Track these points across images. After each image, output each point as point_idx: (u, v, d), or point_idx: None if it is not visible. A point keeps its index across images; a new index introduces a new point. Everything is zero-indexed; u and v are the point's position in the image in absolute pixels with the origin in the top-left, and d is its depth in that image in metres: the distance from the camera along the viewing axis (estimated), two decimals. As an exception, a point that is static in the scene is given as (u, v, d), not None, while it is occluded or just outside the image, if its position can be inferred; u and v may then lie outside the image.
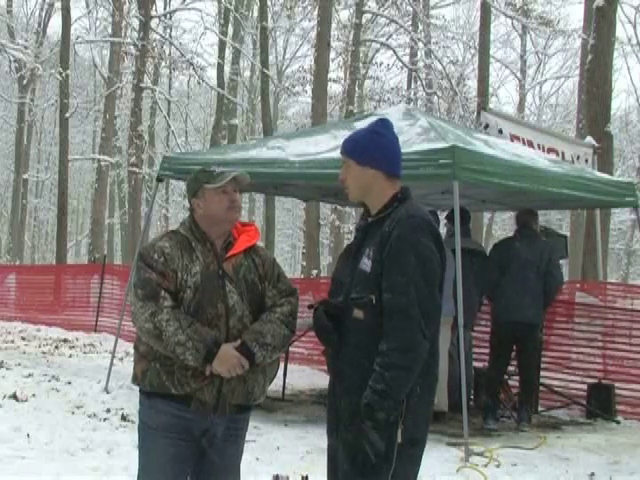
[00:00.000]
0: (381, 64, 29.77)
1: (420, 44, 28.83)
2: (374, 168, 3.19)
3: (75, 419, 7.29)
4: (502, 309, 7.95)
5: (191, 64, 28.29)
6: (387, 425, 3.00)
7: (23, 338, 13.92)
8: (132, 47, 26.41)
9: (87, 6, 34.74)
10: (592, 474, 6.20)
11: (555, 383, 9.14)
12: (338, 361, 3.20)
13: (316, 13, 23.11)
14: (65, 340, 13.81)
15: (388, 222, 3.12)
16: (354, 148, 3.24)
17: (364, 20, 27.44)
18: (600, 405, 8.64)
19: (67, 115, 23.09)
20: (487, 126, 10.15)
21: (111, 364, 9.03)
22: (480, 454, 6.54)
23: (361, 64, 27.90)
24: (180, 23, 45.70)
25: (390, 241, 3.06)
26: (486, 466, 6.26)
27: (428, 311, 3.03)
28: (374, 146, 3.21)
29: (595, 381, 8.96)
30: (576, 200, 8.86)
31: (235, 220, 3.48)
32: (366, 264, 3.13)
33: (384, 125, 3.30)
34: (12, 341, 13.41)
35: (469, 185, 7.31)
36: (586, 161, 11.10)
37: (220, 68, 29.54)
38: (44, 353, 12.10)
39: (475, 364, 8.69)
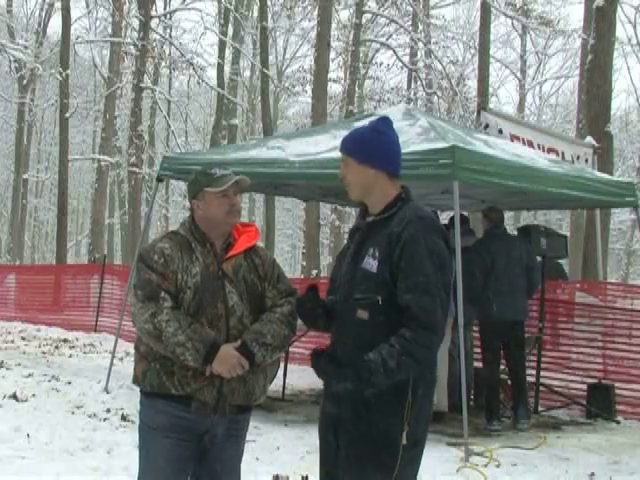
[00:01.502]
0: (381, 64, 29.81)
1: (420, 44, 28.83)
2: (375, 167, 3.16)
3: (75, 419, 7.29)
4: (491, 310, 7.93)
5: (191, 64, 28.29)
6: (391, 427, 3.01)
7: (23, 338, 13.92)
8: (132, 47, 26.41)
9: (87, 6, 34.76)
10: (592, 474, 6.20)
11: (555, 383, 9.14)
12: (338, 361, 3.18)
13: (316, 13, 23.11)
14: (65, 340, 13.81)
15: (396, 222, 3.08)
16: (355, 147, 3.20)
17: (364, 20, 27.44)
18: (600, 405, 8.64)
19: (67, 115, 23.08)
20: (487, 126, 10.15)
21: (111, 364, 9.04)
22: (480, 454, 6.54)
23: (361, 64, 27.91)
24: (180, 23, 45.75)
25: (402, 242, 3.03)
26: (486, 466, 6.26)
27: (446, 311, 3.06)
28: (375, 145, 3.18)
29: (595, 381, 8.96)
30: (576, 200, 8.86)
31: (234, 223, 3.47)
32: (371, 264, 3.09)
33: (385, 124, 3.27)
34: (12, 341, 13.41)
35: (469, 185, 7.31)
36: (586, 161, 11.11)
37: (220, 68, 29.53)
38: (44, 353, 12.10)
39: (475, 364, 8.69)
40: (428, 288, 2.98)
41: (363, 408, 3.05)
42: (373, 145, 3.18)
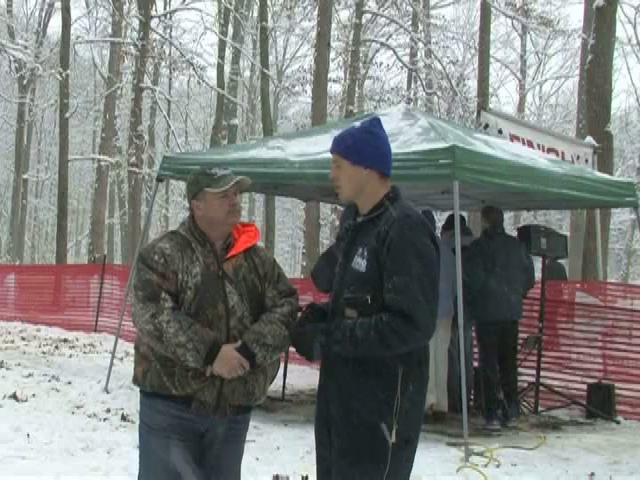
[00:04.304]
0: (381, 64, 29.82)
1: (420, 44, 28.83)
2: (368, 168, 3.18)
3: (75, 419, 7.29)
4: (492, 310, 7.94)
5: (191, 64, 28.27)
6: (380, 424, 3.02)
7: (23, 338, 13.92)
8: (132, 47, 26.38)
9: (87, 6, 34.72)
10: (592, 474, 6.20)
11: (555, 383, 9.14)
12: (329, 361, 3.19)
13: (316, 13, 23.09)
14: (65, 340, 13.81)
15: (383, 222, 3.10)
16: (348, 148, 3.21)
17: (364, 20, 27.42)
18: (600, 405, 8.64)
19: (67, 115, 23.07)
20: (487, 126, 10.16)
21: (111, 364, 9.04)
22: (480, 454, 6.54)
23: (361, 64, 27.88)
24: (180, 23, 45.79)
25: (388, 241, 3.05)
26: (486, 466, 6.26)
27: (432, 308, 3.03)
28: (367, 146, 3.19)
29: (595, 381, 8.96)
30: (576, 200, 8.86)
31: (235, 223, 3.47)
32: (360, 264, 3.11)
33: (376, 124, 3.28)
34: (12, 341, 13.41)
35: (469, 185, 7.31)
36: (586, 161, 11.10)
37: (220, 68, 29.52)
38: (44, 353, 12.10)
39: (475, 364, 8.69)
40: (411, 288, 2.99)
41: (352, 405, 3.06)
42: (365, 146, 3.19)
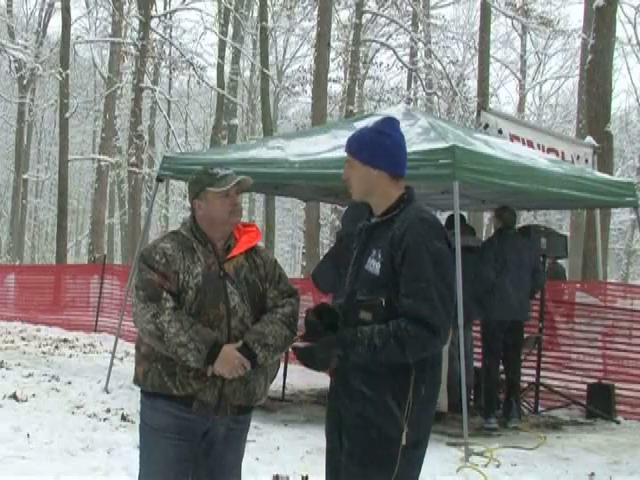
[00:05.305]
0: (381, 64, 29.81)
1: (420, 44, 28.84)
2: (378, 168, 3.15)
3: (75, 419, 7.29)
4: (499, 309, 7.95)
5: (191, 64, 28.28)
6: (391, 427, 3.01)
7: (23, 338, 13.93)
8: (132, 47, 26.38)
9: (87, 6, 34.73)
10: (592, 474, 6.20)
11: (555, 383, 9.14)
12: (342, 362, 3.18)
13: (316, 13, 23.09)
14: (65, 340, 13.81)
15: (397, 224, 3.07)
16: (359, 148, 3.20)
17: (364, 20, 27.42)
18: (600, 405, 8.64)
19: (67, 115, 23.09)
20: (487, 126, 10.16)
21: (111, 364, 9.03)
22: (480, 454, 6.54)
23: (361, 64, 27.88)
24: (180, 23, 45.72)
25: (403, 244, 3.02)
26: (486, 466, 6.26)
27: (449, 314, 3.02)
28: (378, 146, 3.17)
29: (595, 381, 8.96)
30: (576, 200, 8.87)
31: (236, 223, 3.47)
32: (373, 266, 3.08)
33: (390, 124, 3.25)
34: (12, 341, 13.41)
35: (469, 185, 7.31)
36: (586, 161, 11.10)
37: (220, 68, 29.53)
38: (44, 353, 12.10)
39: (475, 364, 8.69)
40: (428, 294, 2.96)
41: (363, 407, 3.05)
42: (375, 146, 3.17)
